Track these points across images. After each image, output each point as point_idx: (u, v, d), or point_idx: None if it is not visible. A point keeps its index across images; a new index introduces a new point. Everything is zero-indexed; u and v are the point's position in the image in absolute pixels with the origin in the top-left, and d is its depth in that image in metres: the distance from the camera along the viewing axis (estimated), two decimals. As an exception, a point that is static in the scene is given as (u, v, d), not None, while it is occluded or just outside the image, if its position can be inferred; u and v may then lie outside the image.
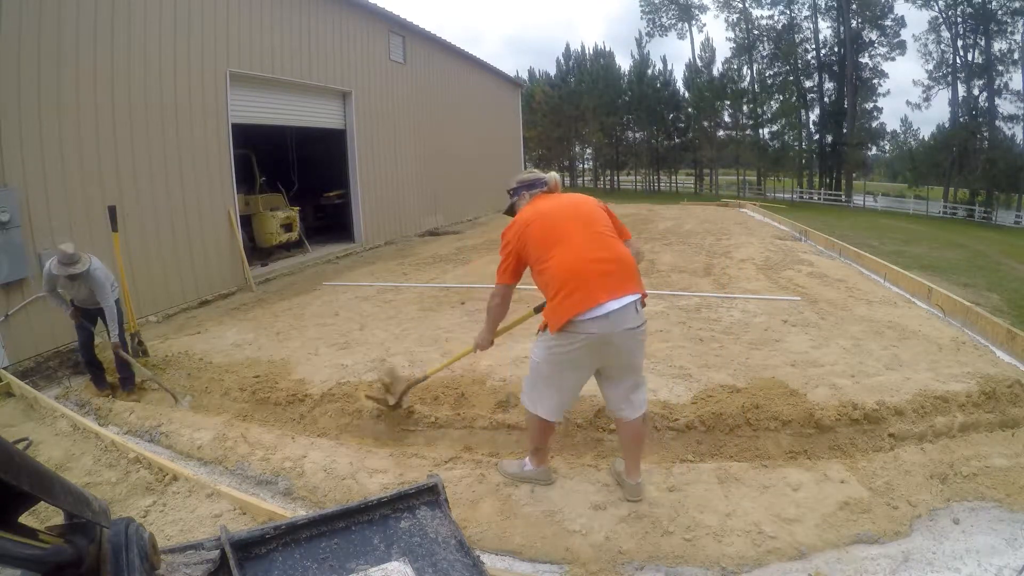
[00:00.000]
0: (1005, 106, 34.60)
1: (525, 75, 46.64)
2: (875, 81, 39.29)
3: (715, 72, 43.40)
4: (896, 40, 37.93)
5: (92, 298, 4.32)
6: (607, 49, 51.34)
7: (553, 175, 2.79)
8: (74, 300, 4.38)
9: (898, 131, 41.77)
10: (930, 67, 37.55)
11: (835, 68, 40.35)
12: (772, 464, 3.10)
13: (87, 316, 4.46)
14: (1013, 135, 34.68)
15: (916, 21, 74.10)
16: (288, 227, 9.71)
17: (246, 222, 9.07)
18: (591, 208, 2.64)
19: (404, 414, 3.62)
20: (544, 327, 2.54)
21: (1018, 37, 33.52)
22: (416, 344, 4.83)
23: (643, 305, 2.54)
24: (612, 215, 2.73)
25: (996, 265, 12.98)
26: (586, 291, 2.37)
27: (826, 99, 41.40)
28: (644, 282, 2.66)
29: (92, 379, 4.63)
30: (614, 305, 2.38)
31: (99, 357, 4.65)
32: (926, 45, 37.24)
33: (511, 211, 2.84)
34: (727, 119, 44.18)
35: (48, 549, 0.73)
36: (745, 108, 42.97)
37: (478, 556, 1.24)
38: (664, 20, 46.08)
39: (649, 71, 45.26)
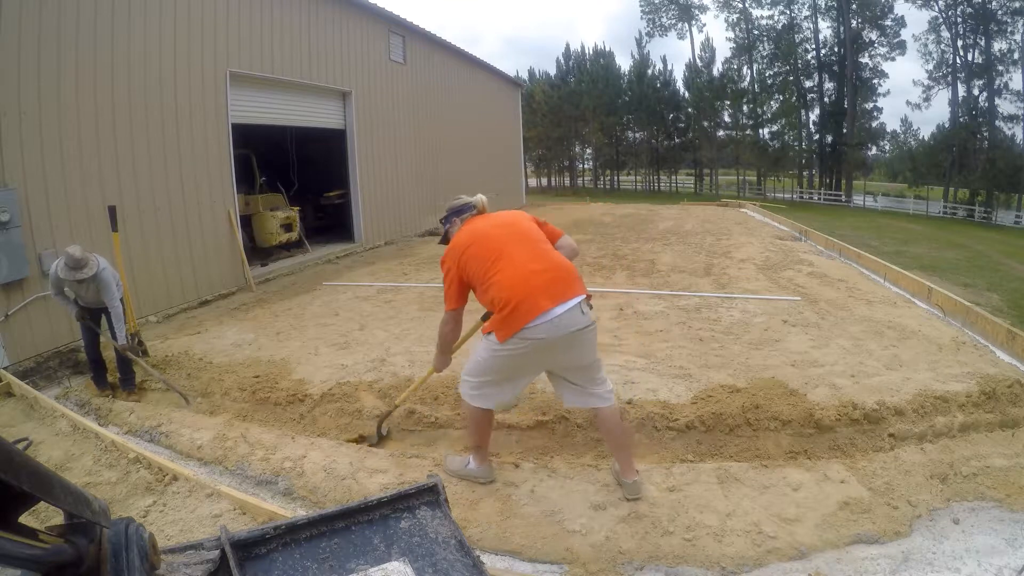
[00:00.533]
0: (1005, 106, 34.67)
1: (525, 75, 46.72)
2: (875, 81, 39.34)
3: (715, 72, 43.47)
4: (896, 40, 37.98)
5: (98, 299, 4.30)
6: (607, 49, 51.46)
7: (480, 197, 2.89)
8: (79, 300, 4.34)
9: (898, 131, 41.86)
10: (930, 67, 37.62)
11: (835, 68, 40.36)
12: (772, 464, 3.10)
13: (93, 316, 4.43)
14: (1013, 135, 34.74)
15: (916, 21, 74.27)
16: (288, 227, 9.70)
17: (246, 222, 9.07)
18: (524, 223, 2.76)
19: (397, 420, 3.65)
20: (489, 331, 2.59)
21: (1018, 37, 33.57)
22: (416, 344, 4.83)
23: (590, 306, 2.63)
24: (542, 223, 2.85)
25: (996, 265, 12.99)
26: (532, 302, 2.46)
27: (826, 99, 41.42)
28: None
29: (93, 378, 4.62)
30: (560, 310, 2.47)
31: (103, 356, 4.63)
32: (926, 45, 37.30)
33: (445, 239, 2.92)
34: (727, 119, 44.24)
35: (48, 549, 0.73)
36: (745, 108, 43.00)
37: (478, 556, 1.24)
38: (664, 20, 46.16)
39: (649, 71, 45.31)
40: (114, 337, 4.31)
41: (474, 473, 2.96)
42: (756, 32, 42.02)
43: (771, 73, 42.32)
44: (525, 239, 2.65)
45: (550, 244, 2.73)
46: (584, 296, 2.57)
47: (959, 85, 36.35)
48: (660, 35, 46.91)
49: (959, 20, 35.30)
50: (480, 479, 2.96)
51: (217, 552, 1.08)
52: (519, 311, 2.45)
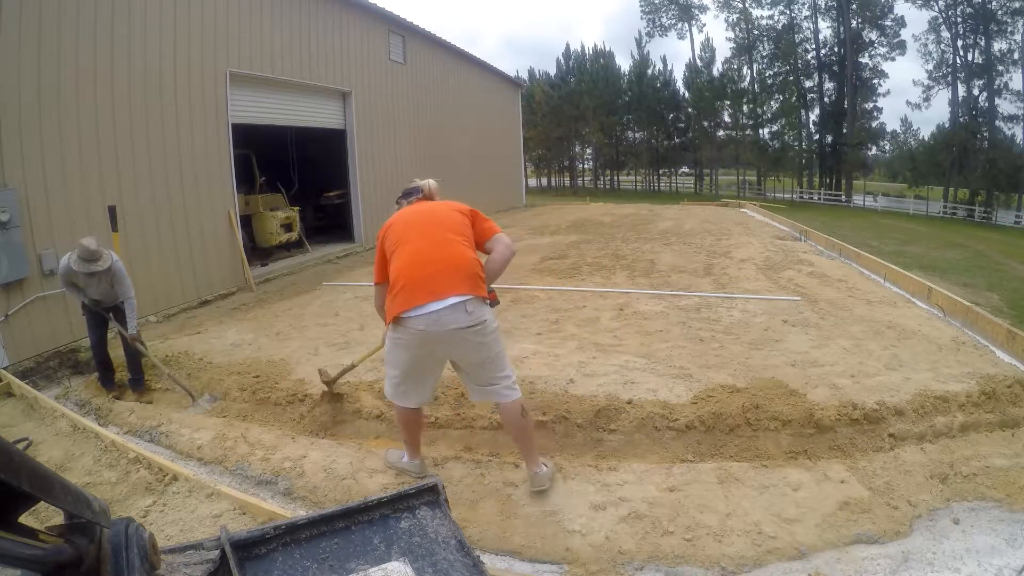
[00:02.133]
0: (1005, 106, 34.63)
1: (525, 75, 46.67)
2: (875, 81, 39.32)
3: (715, 72, 43.46)
4: (896, 40, 37.97)
5: (109, 295, 4.25)
6: (607, 49, 51.36)
7: (429, 182, 2.98)
8: (88, 296, 4.25)
9: (898, 131, 41.81)
10: (930, 67, 37.60)
11: (835, 68, 40.35)
12: (772, 464, 3.10)
13: (98, 317, 4.35)
14: (1013, 135, 34.71)
15: (916, 21, 74.02)
16: (288, 227, 9.71)
17: (246, 222, 9.07)
18: (444, 213, 2.79)
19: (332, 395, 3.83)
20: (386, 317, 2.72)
21: (1018, 37, 33.55)
22: (416, 344, 4.82)
23: (495, 302, 2.70)
24: (477, 217, 2.86)
25: (996, 265, 12.99)
26: (409, 292, 2.55)
27: (826, 99, 41.41)
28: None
29: (100, 379, 4.57)
30: (435, 306, 2.52)
31: (110, 357, 4.60)
32: (926, 45, 37.28)
33: None
34: (727, 119, 44.23)
35: (48, 549, 0.73)
36: (745, 108, 42.98)
37: (478, 556, 1.25)
38: (664, 20, 46.15)
39: (649, 71, 45.32)
40: (125, 328, 4.27)
41: (407, 467, 3.10)
42: (756, 32, 42.03)
43: (771, 73, 42.32)
44: (433, 228, 2.70)
45: (456, 239, 2.69)
46: (468, 296, 2.55)
47: (959, 85, 36.38)
48: (660, 35, 46.96)
49: (959, 20, 35.29)
50: (412, 472, 3.08)
51: (217, 552, 1.08)
52: (400, 298, 2.56)
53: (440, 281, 2.55)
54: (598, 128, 44.76)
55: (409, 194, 2.97)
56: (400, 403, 2.84)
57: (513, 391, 2.79)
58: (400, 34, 12.14)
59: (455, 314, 2.53)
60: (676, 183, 49.05)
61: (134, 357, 4.46)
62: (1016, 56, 33.50)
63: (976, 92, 35.95)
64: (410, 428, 2.99)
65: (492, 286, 2.77)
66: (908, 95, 77.71)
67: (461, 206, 2.87)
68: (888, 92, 58.20)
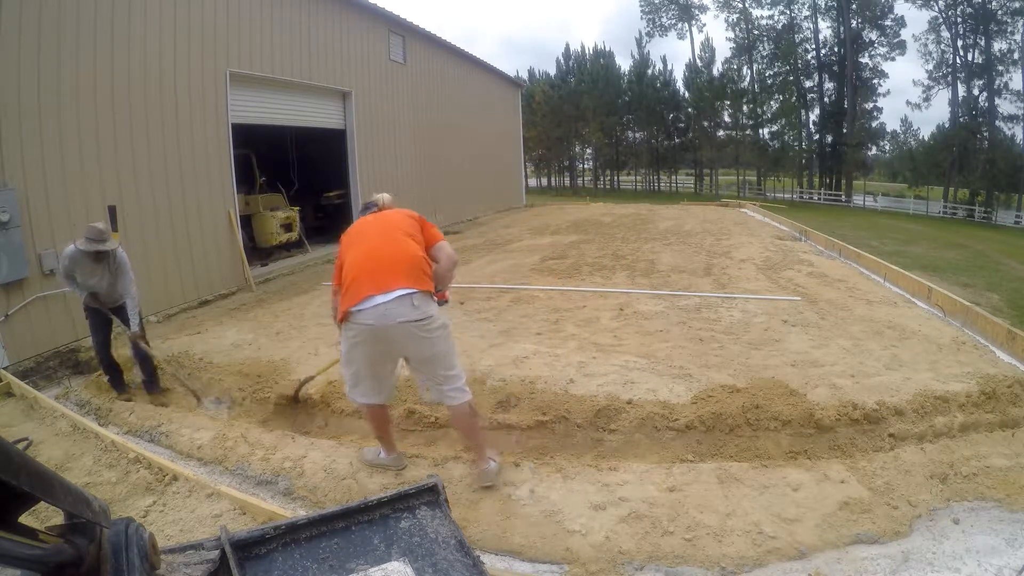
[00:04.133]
0: (1005, 106, 34.63)
1: (525, 75, 46.65)
2: (875, 81, 39.33)
3: (715, 72, 43.41)
4: (896, 40, 37.97)
5: (112, 290, 4.19)
6: (607, 49, 51.34)
7: (384, 196, 3.12)
8: (91, 292, 4.19)
9: (898, 131, 41.78)
10: (930, 67, 37.61)
11: (835, 68, 40.35)
12: (772, 464, 3.10)
13: (101, 316, 4.28)
14: (1013, 135, 34.71)
15: (916, 21, 73.84)
16: (288, 227, 9.71)
17: (246, 222, 9.07)
18: (395, 218, 2.92)
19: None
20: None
21: (1018, 37, 33.55)
22: (416, 344, 4.82)
23: (444, 301, 2.78)
24: (425, 223, 2.97)
25: (996, 265, 12.99)
26: (357, 287, 2.63)
27: (826, 99, 41.41)
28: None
29: (111, 382, 4.49)
30: (380, 299, 2.58)
31: (115, 358, 4.52)
32: (926, 45, 37.28)
33: None
34: (727, 119, 44.20)
35: (48, 549, 0.73)
36: (745, 108, 42.95)
37: (478, 556, 1.25)
38: (664, 20, 46.13)
39: (649, 71, 45.27)
40: (127, 325, 4.21)
41: (385, 462, 3.14)
42: (756, 32, 42.02)
43: (771, 73, 42.30)
44: (383, 231, 2.81)
45: (407, 239, 2.79)
46: (414, 290, 2.62)
47: (959, 85, 36.39)
48: (660, 35, 46.94)
49: (959, 20, 35.29)
50: (391, 467, 3.13)
51: (217, 552, 1.08)
52: (348, 293, 2.64)
53: (386, 275, 2.63)
54: (598, 128, 44.74)
55: (367, 207, 3.08)
56: (361, 401, 2.87)
57: (462, 393, 2.83)
58: (400, 34, 12.14)
59: (401, 307, 2.59)
60: (676, 183, 49.03)
61: (145, 359, 4.39)
62: (1016, 56, 33.53)
63: (976, 92, 36.01)
64: (378, 424, 3.03)
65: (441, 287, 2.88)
66: (908, 95, 77.76)
67: (412, 212, 2.99)
68: (888, 92, 58.29)
